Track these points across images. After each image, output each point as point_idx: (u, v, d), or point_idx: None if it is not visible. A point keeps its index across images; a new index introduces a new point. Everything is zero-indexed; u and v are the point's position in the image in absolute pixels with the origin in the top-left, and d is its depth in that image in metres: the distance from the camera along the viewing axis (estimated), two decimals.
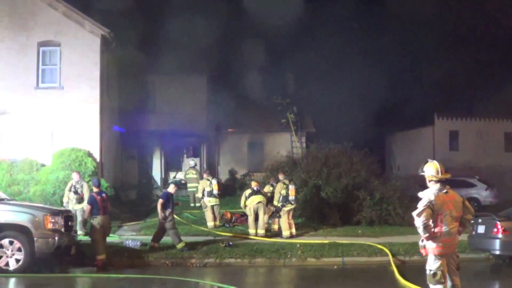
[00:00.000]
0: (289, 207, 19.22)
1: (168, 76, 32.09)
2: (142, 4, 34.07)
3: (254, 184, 19.63)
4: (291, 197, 19.19)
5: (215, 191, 20.83)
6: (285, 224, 19.19)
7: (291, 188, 19.26)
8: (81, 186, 18.84)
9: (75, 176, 19.09)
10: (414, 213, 8.23)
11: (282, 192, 19.22)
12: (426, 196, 8.25)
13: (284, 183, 19.42)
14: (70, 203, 18.55)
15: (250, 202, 19.18)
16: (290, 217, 19.43)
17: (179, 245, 16.42)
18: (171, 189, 17.34)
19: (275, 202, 19.43)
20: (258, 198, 19.10)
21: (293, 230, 19.30)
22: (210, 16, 33.09)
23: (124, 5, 28.64)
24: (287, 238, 18.82)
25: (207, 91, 33.57)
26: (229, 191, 28.48)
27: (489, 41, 47.40)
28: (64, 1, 24.67)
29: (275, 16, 36.95)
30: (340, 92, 40.00)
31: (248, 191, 19.59)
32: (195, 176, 26.98)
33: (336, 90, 39.89)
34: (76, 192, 18.63)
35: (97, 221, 14.66)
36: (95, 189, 15.25)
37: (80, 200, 18.51)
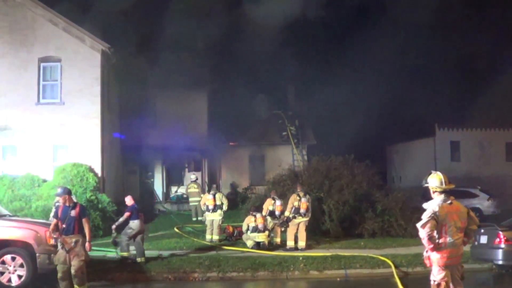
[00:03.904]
0: (299, 219, 19.16)
1: (169, 90, 32.16)
2: (143, 19, 34.24)
3: (260, 222, 19.20)
4: (302, 210, 19.14)
5: (210, 206, 20.79)
6: (291, 234, 19.17)
7: (303, 201, 19.20)
8: None
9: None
10: (419, 225, 8.23)
11: (294, 204, 19.18)
12: (430, 207, 8.25)
13: (298, 195, 19.36)
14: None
15: (253, 237, 19.17)
16: (303, 229, 19.33)
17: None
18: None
19: (286, 213, 19.39)
20: (261, 237, 19.11)
21: (303, 243, 19.15)
22: (210, 31, 33.20)
23: (124, 20, 28.78)
24: (290, 249, 18.81)
25: (208, 105, 33.66)
26: (231, 205, 28.43)
27: (489, 52, 47.52)
28: (64, 16, 24.80)
29: (275, 30, 37.06)
30: (340, 104, 40.12)
31: (251, 222, 19.32)
32: (196, 190, 26.98)
33: (337, 102, 39.99)
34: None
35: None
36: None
37: None
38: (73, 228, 11.78)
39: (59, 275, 11.80)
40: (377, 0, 55.74)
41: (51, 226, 12.10)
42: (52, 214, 16.38)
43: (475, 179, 34.37)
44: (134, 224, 16.75)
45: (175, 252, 18.39)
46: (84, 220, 11.92)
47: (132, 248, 16.96)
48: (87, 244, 11.88)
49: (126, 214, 16.92)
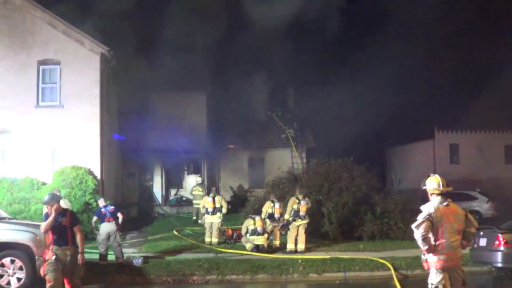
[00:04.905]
0: (299, 222, 19.19)
1: (168, 93, 32.23)
2: (142, 22, 34.24)
3: (259, 224, 19.18)
4: (302, 212, 19.16)
5: (210, 208, 20.79)
6: (291, 237, 19.24)
7: (303, 203, 19.22)
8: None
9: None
10: (413, 226, 8.26)
11: (294, 207, 19.21)
12: (426, 209, 8.28)
13: (297, 198, 19.39)
14: None
15: (252, 239, 19.19)
16: (303, 232, 19.36)
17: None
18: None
19: (286, 216, 19.42)
20: (261, 240, 19.13)
21: (302, 246, 19.18)
22: (209, 33, 33.22)
23: (123, 23, 28.77)
24: (290, 251, 18.86)
25: (207, 107, 33.69)
26: (230, 208, 28.41)
27: (488, 54, 47.54)
28: (63, 19, 24.79)
29: (274, 33, 37.08)
30: (340, 107, 40.10)
31: (251, 225, 19.36)
32: (201, 193, 26.87)
33: (336, 105, 39.98)
34: None
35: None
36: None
37: None
38: (67, 239, 10.53)
39: (50, 284, 10.36)
40: (376, 4, 55.78)
41: (45, 227, 10.54)
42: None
43: (474, 182, 34.39)
44: (101, 228, 16.97)
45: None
46: (75, 229, 10.67)
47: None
48: (79, 256, 10.64)
49: (94, 219, 17.36)
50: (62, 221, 10.49)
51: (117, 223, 16.99)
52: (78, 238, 10.66)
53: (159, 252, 18.98)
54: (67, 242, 10.48)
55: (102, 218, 16.93)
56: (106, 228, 16.81)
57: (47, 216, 10.59)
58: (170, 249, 19.52)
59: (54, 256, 10.33)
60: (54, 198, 10.70)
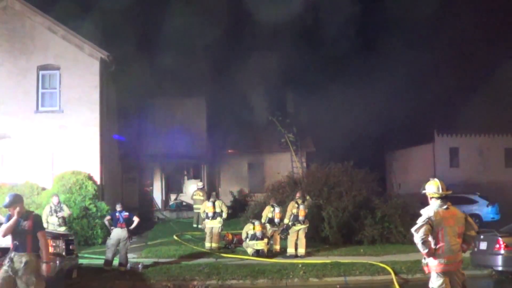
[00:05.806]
0: (298, 226, 19.18)
1: (168, 98, 32.25)
2: (142, 27, 34.30)
3: (258, 229, 19.23)
4: (301, 217, 19.15)
5: (210, 213, 20.76)
6: (291, 242, 19.23)
7: (301, 208, 19.20)
8: (61, 209, 18.60)
9: (55, 200, 18.79)
10: (413, 229, 8.26)
11: (293, 211, 19.21)
12: (426, 212, 8.28)
13: (296, 202, 19.38)
14: (51, 227, 17.66)
15: (252, 244, 19.18)
16: (303, 236, 19.34)
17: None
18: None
19: (285, 220, 19.41)
20: (260, 245, 19.13)
21: (302, 250, 19.17)
22: (209, 39, 33.28)
23: (123, 28, 28.81)
24: (291, 256, 18.84)
25: (207, 112, 33.69)
26: (230, 212, 28.37)
27: (488, 57, 47.57)
28: (63, 24, 24.81)
29: (273, 37, 37.13)
30: (340, 111, 40.09)
31: (250, 230, 19.40)
32: (202, 198, 26.83)
33: (336, 109, 39.98)
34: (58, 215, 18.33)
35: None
36: None
37: (63, 222, 18.40)
38: (25, 245, 9.24)
39: None
40: (376, 9, 55.86)
41: (5, 231, 9.34)
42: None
43: (474, 185, 34.34)
44: (112, 232, 17.05)
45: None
46: (39, 234, 9.33)
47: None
48: (44, 266, 9.27)
49: (107, 217, 17.61)
50: (23, 225, 9.27)
51: (129, 230, 16.99)
52: (42, 244, 9.35)
53: (159, 257, 18.97)
54: (25, 248, 9.23)
55: (115, 222, 16.93)
56: (117, 233, 16.81)
57: (9, 218, 9.42)
58: (170, 254, 19.50)
59: (8, 262, 9.17)
60: (16, 200, 9.44)
